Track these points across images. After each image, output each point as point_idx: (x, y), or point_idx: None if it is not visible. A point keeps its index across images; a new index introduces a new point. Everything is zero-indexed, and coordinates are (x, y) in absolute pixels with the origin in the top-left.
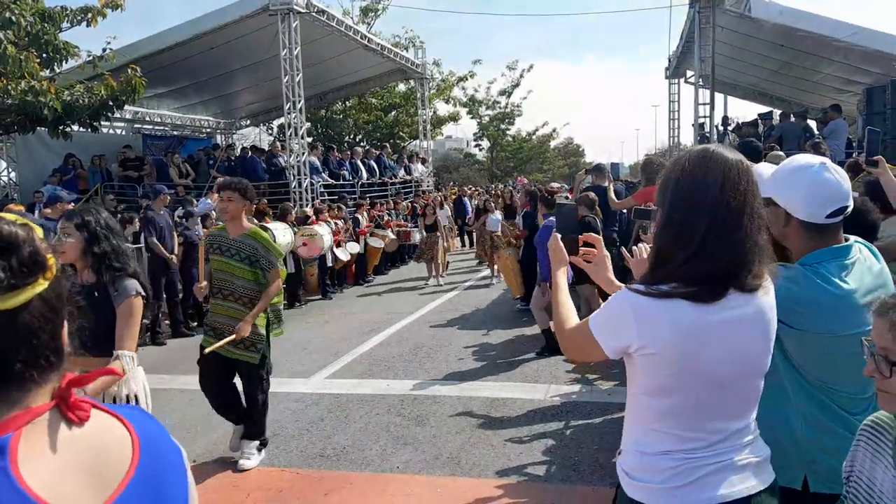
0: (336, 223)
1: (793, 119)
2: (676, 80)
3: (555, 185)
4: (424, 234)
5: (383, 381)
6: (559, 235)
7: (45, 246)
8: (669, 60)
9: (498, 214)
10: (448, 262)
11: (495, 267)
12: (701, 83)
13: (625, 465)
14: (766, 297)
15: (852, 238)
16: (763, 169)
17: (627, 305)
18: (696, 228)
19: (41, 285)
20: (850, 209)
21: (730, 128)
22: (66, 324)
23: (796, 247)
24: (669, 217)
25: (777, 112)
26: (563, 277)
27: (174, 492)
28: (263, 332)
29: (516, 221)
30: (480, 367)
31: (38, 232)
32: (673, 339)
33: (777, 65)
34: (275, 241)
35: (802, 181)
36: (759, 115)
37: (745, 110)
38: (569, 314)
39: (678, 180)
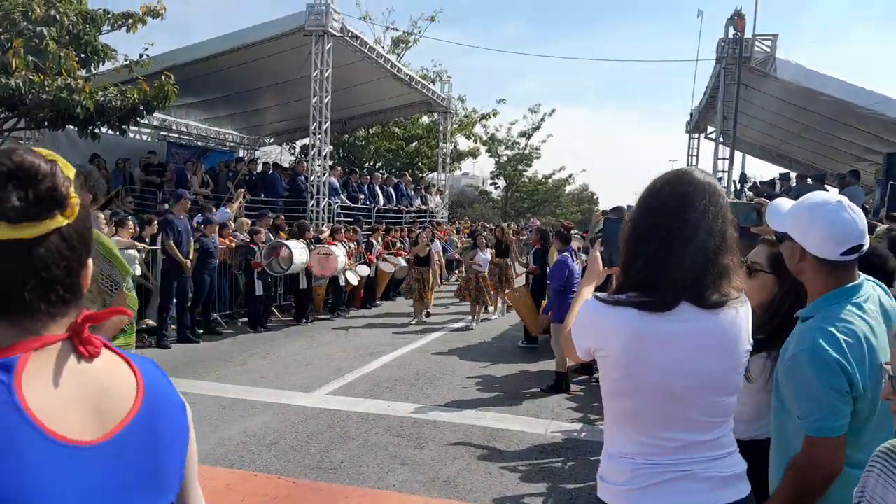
0: (350, 245)
1: (810, 181)
2: (697, 135)
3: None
4: (414, 267)
5: (384, 402)
6: (601, 249)
7: (68, 184)
8: (691, 115)
9: (487, 253)
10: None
11: (478, 309)
12: (721, 139)
13: (599, 469)
14: (730, 317)
15: (862, 276)
16: (781, 204)
17: (589, 311)
18: (651, 240)
19: (59, 222)
20: (865, 248)
21: (747, 185)
22: (88, 265)
23: (811, 282)
24: (632, 229)
25: (794, 174)
26: (589, 290)
27: (172, 443)
28: None
29: (508, 260)
30: (482, 398)
31: (66, 170)
32: (619, 344)
33: (798, 127)
34: (292, 260)
35: (819, 218)
36: (780, 175)
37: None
38: (570, 322)
39: (646, 196)
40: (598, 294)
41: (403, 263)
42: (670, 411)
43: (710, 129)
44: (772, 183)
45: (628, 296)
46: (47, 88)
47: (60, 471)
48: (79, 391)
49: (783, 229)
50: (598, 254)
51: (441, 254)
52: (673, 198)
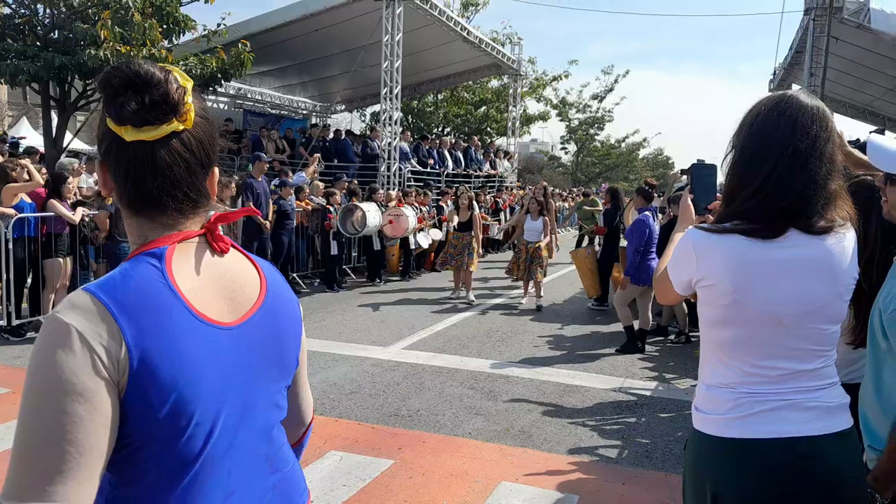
0: (421, 208)
1: None
2: None
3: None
4: (453, 231)
5: (457, 357)
6: (691, 196)
7: (182, 92)
8: (775, 72)
9: (539, 221)
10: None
11: (530, 284)
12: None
13: (695, 401)
14: (838, 242)
15: None
16: (888, 143)
17: (690, 242)
18: (761, 168)
19: (175, 126)
20: None
21: None
22: (214, 172)
23: None
24: (738, 158)
25: (889, 133)
26: (679, 236)
27: (291, 332)
28: None
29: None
30: (554, 356)
31: (182, 81)
32: (727, 271)
33: (892, 82)
34: (366, 222)
35: None
36: (874, 131)
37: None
38: (663, 265)
39: (752, 123)
40: (701, 225)
41: (440, 236)
42: (775, 339)
43: (794, 87)
44: (861, 145)
45: (734, 224)
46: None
47: (206, 346)
48: (216, 280)
49: (891, 170)
50: (689, 201)
51: (481, 219)
52: (782, 125)
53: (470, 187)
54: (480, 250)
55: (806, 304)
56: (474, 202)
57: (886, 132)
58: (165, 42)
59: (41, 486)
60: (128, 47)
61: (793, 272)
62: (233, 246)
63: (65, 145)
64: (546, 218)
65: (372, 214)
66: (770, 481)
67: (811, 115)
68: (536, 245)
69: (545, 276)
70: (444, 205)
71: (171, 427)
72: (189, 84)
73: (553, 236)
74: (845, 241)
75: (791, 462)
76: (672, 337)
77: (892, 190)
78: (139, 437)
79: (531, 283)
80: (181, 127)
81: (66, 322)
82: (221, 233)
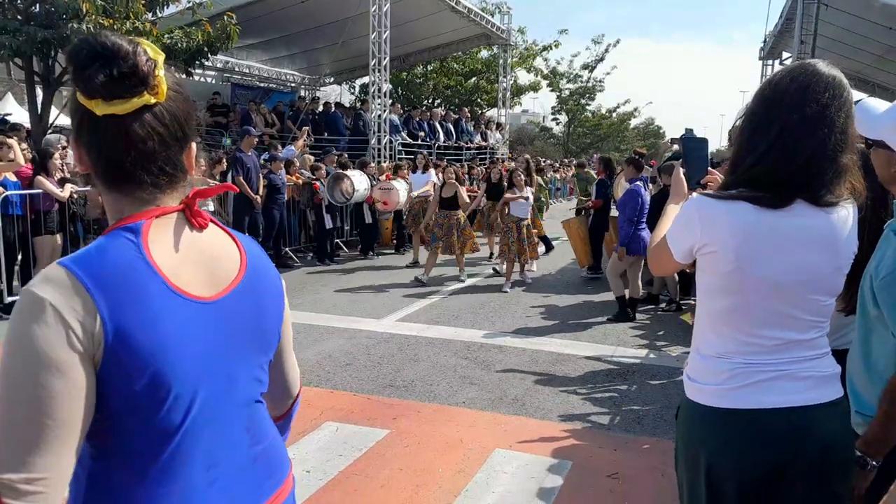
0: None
1: None
2: (771, 62)
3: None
4: (437, 211)
5: (451, 328)
6: (683, 170)
7: (152, 65)
8: (765, 40)
9: (528, 194)
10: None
11: (521, 265)
12: None
13: (688, 370)
14: (841, 217)
15: None
16: (873, 106)
17: (694, 207)
18: (767, 133)
19: (146, 99)
20: None
21: None
22: (191, 147)
23: None
24: (746, 122)
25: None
26: (675, 209)
27: (272, 306)
28: None
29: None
30: (546, 325)
31: (152, 53)
32: (732, 238)
33: (882, 49)
34: (354, 189)
35: None
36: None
37: None
38: (658, 236)
39: (764, 89)
40: (706, 192)
41: (465, 200)
42: (773, 307)
43: (785, 54)
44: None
45: (740, 191)
46: (116, 32)
47: (183, 319)
48: (194, 255)
49: (876, 136)
50: (682, 175)
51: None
52: (793, 90)
53: (463, 161)
54: (470, 230)
55: (807, 274)
56: (460, 178)
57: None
58: (149, 15)
59: (19, 458)
60: (111, 20)
61: (796, 242)
62: (212, 221)
63: (51, 121)
64: (533, 189)
65: (358, 180)
66: (766, 451)
67: (825, 82)
68: (527, 222)
69: (537, 256)
70: (435, 179)
71: (150, 400)
72: (160, 57)
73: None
74: (849, 215)
75: (787, 432)
76: (663, 305)
77: (876, 154)
78: (117, 410)
79: (517, 266)
80: (153, 100)
81: (41, 296)
82: (200, 208)
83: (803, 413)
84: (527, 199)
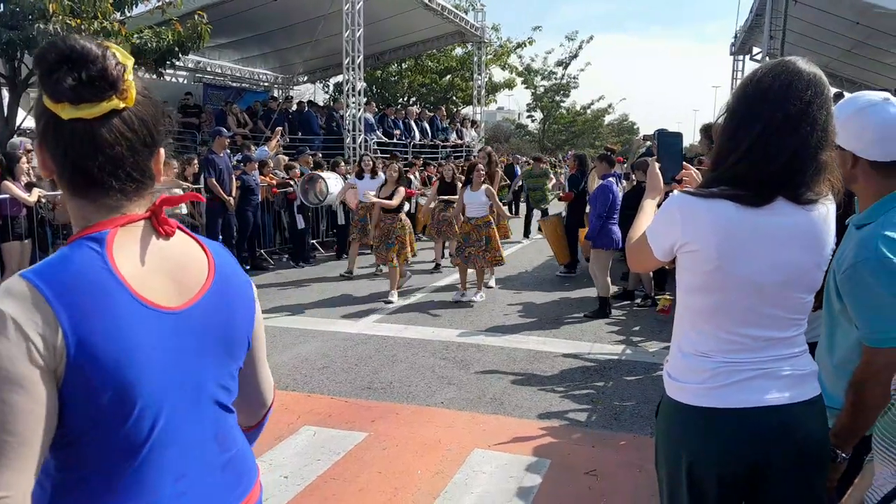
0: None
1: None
2: (742, 57)
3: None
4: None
5: (428, 328)
6: (658, 164)
7: (121, 69)
8: (736, 35)
9: (481, 193)
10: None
11: (478, 275)
12: (768, 60)
13: (668, 368)
14: (821, 214)
15: None
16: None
17: (675, 205)
18: (749, 131)
19: (115, 104)
20: None
21: None
22: (159, 153)
23: (864, 189)
24: (728, 119)
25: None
26: (651, 204)
27: (241, 314)
28: None
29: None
30: (524, 323)
31: (121, 57)
32: (713, 237)
33: (850, 44)
34: (328, 190)
35: (867, 120)
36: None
37: None
38: (637, 233)
39: (746, 86)
40: (687, 189)
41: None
42: (753, 306)
43: (755, 49)
44: None
45: (721, 189)
46: (84, 32)
47: (149, 330)
48: (161, 264)
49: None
50: (657, 170)
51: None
52: (776, 87)
53: (439, 159)
54: (412, 238)
55: (788, 272)
56: (403, 176)
57: (845, 93)
58: (118, 14)
59: None
60: (78, 20)
61: (778, 241)
62: (180, 228)
63: (17, 124)
64: (489, 188)
65: (332, 181)
66: (747, 450)
67: (807, 80)
68: (484, 220)
69: (502, 262)
70: (411, 176)
71: (115, 412)
72: (129, 62)
73: (497, 212)
74: (828, 213)
75: (768, 430)
76: (639, 300)
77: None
78: (82, 423)
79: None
80: (122, 105)
81: (1, 309)
82: (167, 216)
83: (784, 411)
84: (480, 199)
